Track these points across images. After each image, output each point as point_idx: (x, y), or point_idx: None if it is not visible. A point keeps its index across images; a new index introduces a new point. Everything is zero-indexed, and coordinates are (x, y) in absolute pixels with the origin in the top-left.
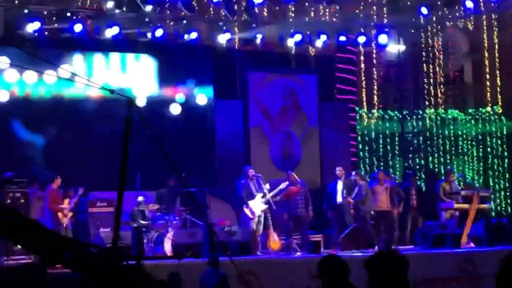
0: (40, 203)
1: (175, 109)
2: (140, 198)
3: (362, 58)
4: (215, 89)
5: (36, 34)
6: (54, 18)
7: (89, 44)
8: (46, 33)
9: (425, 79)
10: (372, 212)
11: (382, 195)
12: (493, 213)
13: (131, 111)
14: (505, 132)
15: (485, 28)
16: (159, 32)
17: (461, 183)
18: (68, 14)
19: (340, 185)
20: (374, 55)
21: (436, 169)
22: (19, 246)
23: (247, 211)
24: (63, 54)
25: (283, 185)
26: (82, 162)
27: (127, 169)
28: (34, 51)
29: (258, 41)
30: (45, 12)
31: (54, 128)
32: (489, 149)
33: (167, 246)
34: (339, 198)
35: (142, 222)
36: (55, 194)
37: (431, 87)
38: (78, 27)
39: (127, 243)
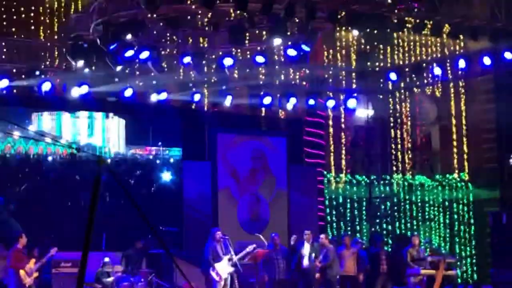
0: (4, 262)
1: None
2: (106, 259)
3: (330, 122)
4: (183, 150)
5: (4, 91)
6: (23, 76)
7: (57, 103)
8: (15, 91)
9: (393, 145)
10: (338, 277)
11: (349, 260)
12: (459, 280)
13: (100, 170)
14: (471, 199)
15: (452, 95)
16: (128, 92)
17: (428, 249)
18: (37, 72)
19: (307, 248)
20: (342, 119)
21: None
22: None
23: (213, 274)
24: (31, 112)
25: (250, 248)
26: (47, 221)
27: (93, 228)
28: (1, 109)
29: (227, 102)
30: (14, 70)
31: (18, 187)
32: (455, 216)
33: None
34: (306, 262)
35: (107, 283)
36: (19, 253)
37: (399, 152)
38: (46, 86)
39: None
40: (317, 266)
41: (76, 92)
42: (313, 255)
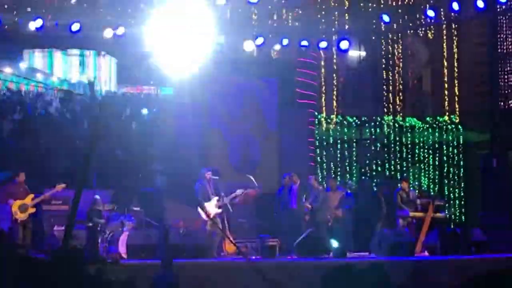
0: None
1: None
2: (97, 197)
3: (322, 63)
4: (175, 90)
5: None
6: (14, 13)
7: (48, 40)
8: (6, 27)
9: (384, 86)
10: (329, 217)
11: (335, 202)
12: (448, 222)
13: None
14: (461, 142)
15: (445, 38)
16: (120, 30)
17: (417, 191)
18: (29, 9)
19: (294, 190)
20: (334, 61)
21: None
22: None
23: (202, 212)
24: (22, 49)
25: (239, 192)
26: (38, 157)
27: (89, 166)
28: None
29: (222, 39)
30: (5, 6)
31: (10, 123)
32: (445, 158)
33: (122, 247)
34: (293, 204)
35: (98, 221)
36: (14, 186)
37: (390, 94)
38: (38, 23)
39: (81, 244)
40: (307, 208)
41: (68, 29)
42: (303, 196)
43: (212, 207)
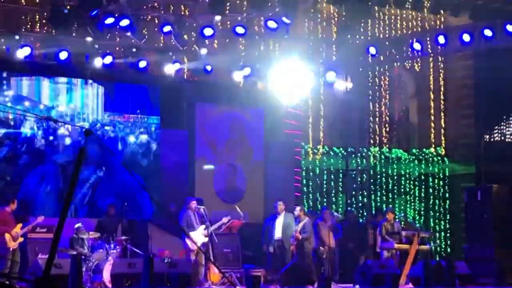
0: None
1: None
2: (79, 225)
3: (309, 94)
4: (161, 118)
5: None
6: (2, 40)
7: (36, 68)
8: None
9: (371, 118)
10: (326, 247)
11: (325, 232)
12: (432, 254)
13: (87, 140)
14: (447, 174)
15: (431, 70)
16: (108, 59)
17: (402, 223)
18: (17, 37)
19: (280, 220)
20: (321, 91)
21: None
22: None
23: (188, 242)
24: (10, 76)
25: (225, 220)
26: (22, 187)
27: (73, 195)
28: None
29: (208, 67)
30: None
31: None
32: (431, 190)
33: (106, 275)
34: (278, 234)
35: (81, 250)
36: (7, 216)
37: (377, 126)
38: (25, 51)
39: (65, 272)
40: (297, 238)
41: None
42: (297, 226)
43: (199, 235)
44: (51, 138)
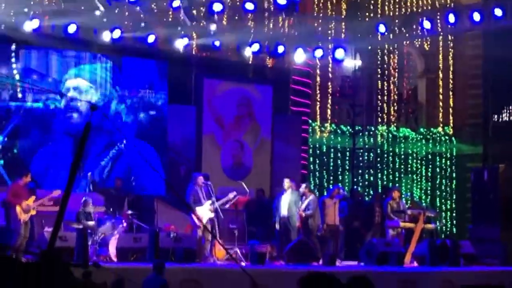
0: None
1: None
2: (86, 199)
3: (318, 71)
4: (169, 94)
5: None
6: (11, 13)
7: (45, 41)
8: (3, 27)
9: (379, 96)
10: (324, 225)
11: (331, 209)
12: (438, 234)
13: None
14: (454, 153)
15: (441, 49)
16: (116, 33)
17: (408, 202)
18: (26, 9)
19: (286, 197)
20: (330, 69)
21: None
22: None
23: (194, 218)
24: (19, 49)
25: (231, 195)
26: (31, 161)
27: (78, 169)
28: None
29: (217, 43)
30: (3, 6)
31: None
32: (437, 169)
33: (112, 249)
34: (284, 211)
35: (88, 223)
36: (19, 188)
37: (385, 104)
38: (35, 23)
39: (71, 245)
40: (300, 216)
41: (65, 31)
42: (301, 204)
43: (205, 211)
44: (60, 111)
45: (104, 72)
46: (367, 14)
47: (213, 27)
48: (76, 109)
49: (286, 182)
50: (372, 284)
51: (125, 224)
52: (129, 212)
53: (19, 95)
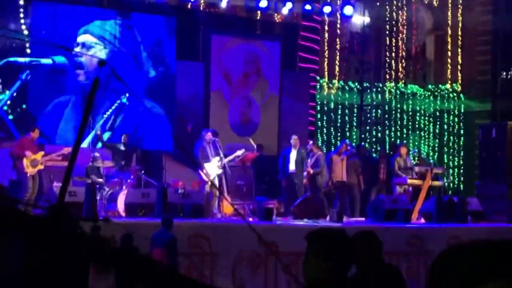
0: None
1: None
2: (96, 154)
3: (326, 27)
4: (177, 50)
5: None
6: None
7: None
8: None
9: (387, 53)
10: (330, 182)
11: (338, 165)
12: (445, 190)
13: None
14: (462, 110)
15: (450, 5)
16: None
17: (416, 159)
18: None
19: (293, 153)
20: (338, 26)
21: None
22: None
23: (202, 174)
24: (26, 5)
25: (239, 152)
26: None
27: (86, 125)
28: None
29: (223, 3)
30: None
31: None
32: (445, 126)
33: (120, 204)
34: (292, 167)
35: (96, 178)
36: (27, 142)
37: (393, 61)
38: None
39: (79, 200)
40: (308, 172)
41: None
42: (309, 161)
43: (213, 167)
44: (68, 67)
45: (113, 28)
46: None
47: None
48: (83, 65)
49: (294, 139)
50: (379, 239)
51: (133, 180)
52: (137, 167)
53: (28, 51)
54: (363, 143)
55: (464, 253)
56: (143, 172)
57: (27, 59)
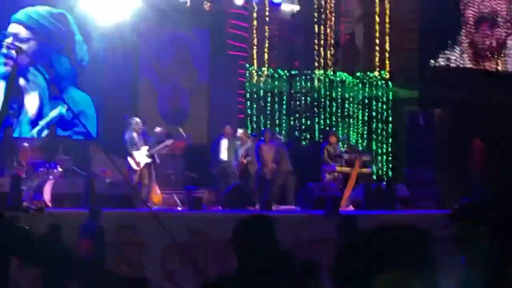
0: None
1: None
2: (25, 144)
3: (255, 15)
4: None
5: None
6: None
7: None
8: None
9: (316, 41)
10: (263, 170)
11: (267, 154)
12: (374, 177)
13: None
14: (390, 98)
15: None
16: None
17: (345, 146)
18: None
19: (225, 142)
20: (267, 13)
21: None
22: None
23: (131, 162)
24: None
25: (168, 142)
26: None
27: (6, 110)
28: None
29: None
30: None
31: None
32: (374, 113)
33: (47, 195)
34: (224, 156)
35: (22, 168)
36: None
37: (322, 48)
38: None
39: (5, 190)
40: (241, 162)
41: None
42: (241, 150)
43: (142, 156)
44: None
45: (45, 16)
46: None
47: None
48: (8, 54)
49: (227, 129)
50: (270, 222)
51: (60, 170)
52: (64, 157)
53: None
54: (291, 131)
55: (368, 241)
56: (70, 162)
57: None
